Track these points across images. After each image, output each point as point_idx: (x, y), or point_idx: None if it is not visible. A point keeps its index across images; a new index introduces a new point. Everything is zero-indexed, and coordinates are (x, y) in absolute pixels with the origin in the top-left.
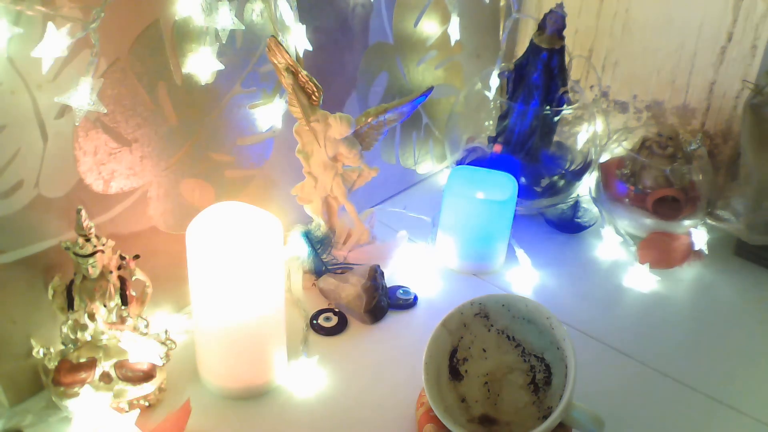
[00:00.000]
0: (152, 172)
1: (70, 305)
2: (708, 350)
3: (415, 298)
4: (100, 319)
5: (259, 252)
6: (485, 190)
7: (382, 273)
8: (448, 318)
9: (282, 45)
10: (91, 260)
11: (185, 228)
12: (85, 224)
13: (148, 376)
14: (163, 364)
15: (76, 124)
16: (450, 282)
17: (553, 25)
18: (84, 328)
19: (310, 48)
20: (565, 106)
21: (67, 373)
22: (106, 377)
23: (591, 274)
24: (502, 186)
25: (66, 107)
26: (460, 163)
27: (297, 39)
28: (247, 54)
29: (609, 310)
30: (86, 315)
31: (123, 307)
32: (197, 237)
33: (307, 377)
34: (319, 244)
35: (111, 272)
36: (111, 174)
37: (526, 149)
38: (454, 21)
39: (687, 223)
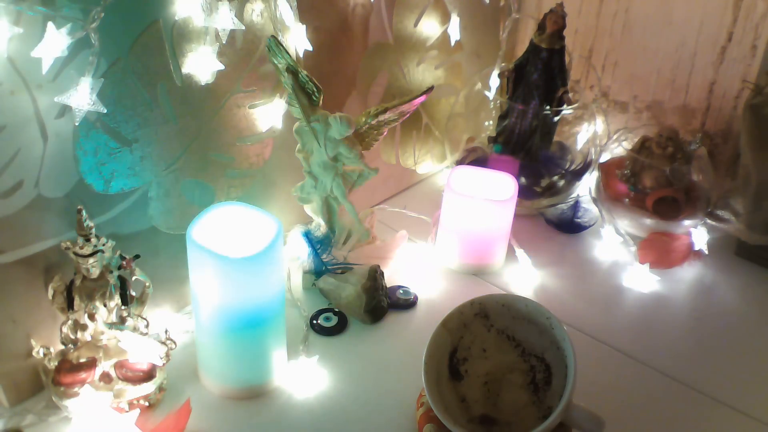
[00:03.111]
0: (152, 172)
1: (70, 305)
2: (708, 350)
3: (415, 298)
4: (100, 319)
5: (259, 252)
6: (485, 190)
7: (382, 273)
8: (448, 318)
9: (282, 45)
10: (91, 260)
11: (185, 228)
12: (85, 224)
13: (148, 376)
14: (163, 364)
15: (76, 124)
16: (450, 282)
17: (553, 25)
18: (84, 328)
19: (310, 48)
20: (565, 106)
21: (67, 373)
22: (106, 377)
23: (591, 274)
24: (502, 186)
25: (66, 107)
26: (460, 163)
27: (297, 39)
28: (247, 54)
29: (609, 310)
30: (86, 315)
31: (123, 307)
32: (197, 237)
33: (307, 377)
34: (319, 244)
35: (111, 272)
36: (111, 174)
37: (526, 149)
38: (454, 21)
39: (687, 223)
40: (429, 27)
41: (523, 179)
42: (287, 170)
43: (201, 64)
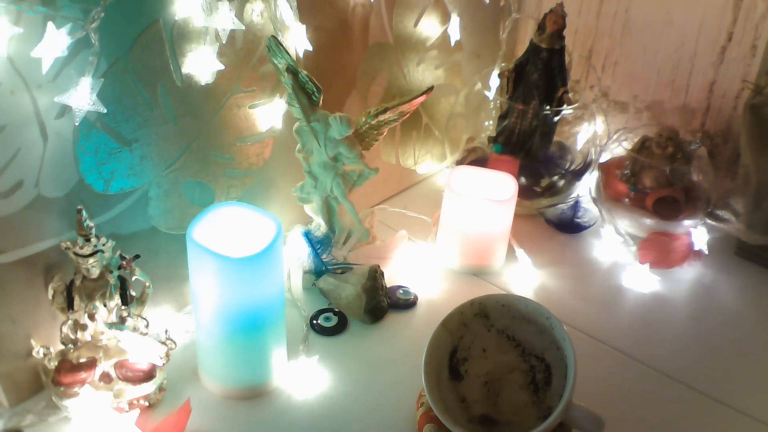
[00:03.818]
0: (152, 172)
1: (70, 305)
2: (708, 350)
3: (415, 298)
4: (100, 319)
5: (259, 252)
6: (485, 190)
7: (382, 273)
8: (448, 318)
9: (282, 45)
10: (91, 260)
11: (185, 228)
12: (85, 224)
13: (148, 376)
14: (163, 364)
15: (76, 124)
16: (450, 282)
17: (553, 25)
18: (84, 328)
19: (310, 48)
20: (565, 106)
21: (67, 373)
22: (106, 377)
23: (591, 274)
24: (502, 186)
25: (66, 107)
26: (460, 163)
27: (297, 39)
28: (247, 54)
29: (609, 310)
30: (86, 315)
31: (123, 307)
32: (197, 237)
33: (307, 377)
34: (319, 244)
35: (111, 272)
36: (111, 174)
37: (526, 149)
38: (454, 21)
39: (687, 223)
40: (429, 27)
41: (523, 179)
42: (287, 170)
43: (201, 64)
